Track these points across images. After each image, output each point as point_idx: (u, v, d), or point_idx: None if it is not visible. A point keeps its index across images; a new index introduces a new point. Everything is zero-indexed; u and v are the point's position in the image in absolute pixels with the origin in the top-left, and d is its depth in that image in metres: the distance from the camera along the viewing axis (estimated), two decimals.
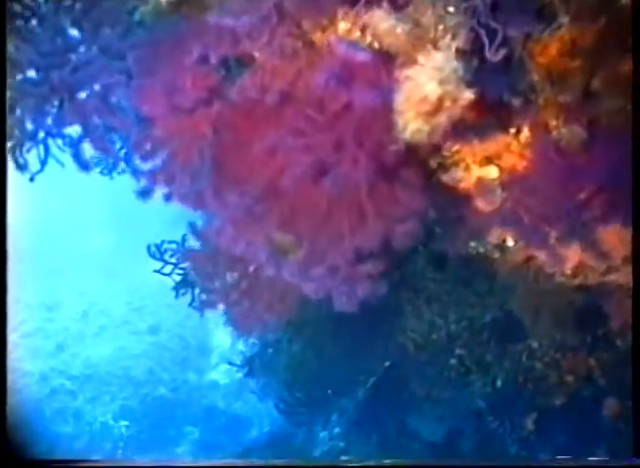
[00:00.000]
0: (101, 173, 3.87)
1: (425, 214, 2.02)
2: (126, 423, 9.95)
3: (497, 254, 2.64)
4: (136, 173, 3.89)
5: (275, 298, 2.48)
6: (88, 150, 2.69)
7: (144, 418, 10.04)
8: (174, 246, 4.04)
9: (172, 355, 11.33)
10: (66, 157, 3.02)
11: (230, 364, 5.88)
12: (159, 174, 1.98)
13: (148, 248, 4.09)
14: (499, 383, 4.03)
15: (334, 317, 5.41)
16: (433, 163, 2.01)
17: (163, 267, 4.13)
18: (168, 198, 2.02)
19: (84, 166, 3.36)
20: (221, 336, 11.90)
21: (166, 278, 4.37)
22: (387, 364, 4.75)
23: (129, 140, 2.28)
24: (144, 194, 2.06)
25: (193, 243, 2.95)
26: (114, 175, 3.93)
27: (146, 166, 2.01)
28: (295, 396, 4.84)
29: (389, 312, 4.77)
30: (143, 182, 2.04)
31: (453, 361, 4.39)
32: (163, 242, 4.06)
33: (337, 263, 2.08)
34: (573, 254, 2.03)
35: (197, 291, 4.36)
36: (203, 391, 10.91)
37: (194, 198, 1.90)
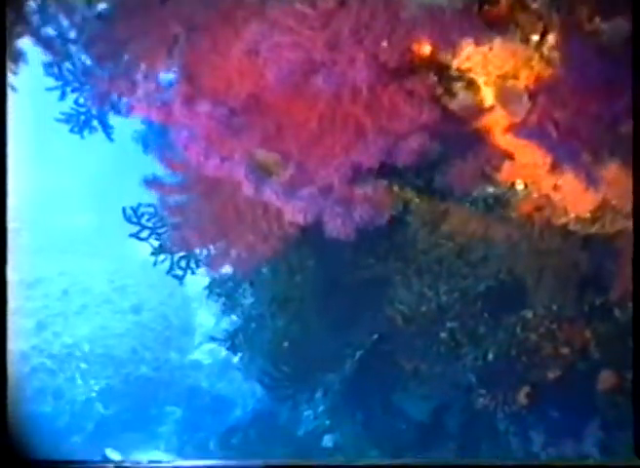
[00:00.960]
0: (72, 130, 3.61)
1: (434, 130, 1.76)
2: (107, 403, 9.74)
3: (502, 204, 2.40)
4: (107, 128, 3.61)
5: (258, 239, 2.23)
6: None
7: (126, 398, 9.84)
8: (151, 209, 3.79)
9: (154, 334, 11.10)
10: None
11: (213, 339, 5.63)
12: (119, 79, 1.69)
13: (124, 210, 3.82)
14: (490, 356, 3.82)
15: (319, 290, 5.20)
16: (440, 87, 1.74)
17: (140, 231, 3.87)
18: (129, 110, 1.76)
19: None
20: (205, 316, 11.69)
21: (149, 257, 4.14)
22: (374, 337, 4.54)
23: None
24: (99, 100, 1.77)
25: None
26: (85, 133, 3.67)
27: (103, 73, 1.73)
28: (280, 370, 4.62)
29: (377, 283, 4.55)
30: (100, 89, 1.76)
31: (443, 334, 4.18)
32: (140, 205, 3.79)
33: (329, 182, 1.79)
34: (594, 196, 1.81)
35: (176, 258, 4.12)
36: (186, 371, 10.72)
37: (160, 108, 1.62)
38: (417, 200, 2.82)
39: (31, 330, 10.33)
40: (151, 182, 1.98)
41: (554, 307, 3.51)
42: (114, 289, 11.71)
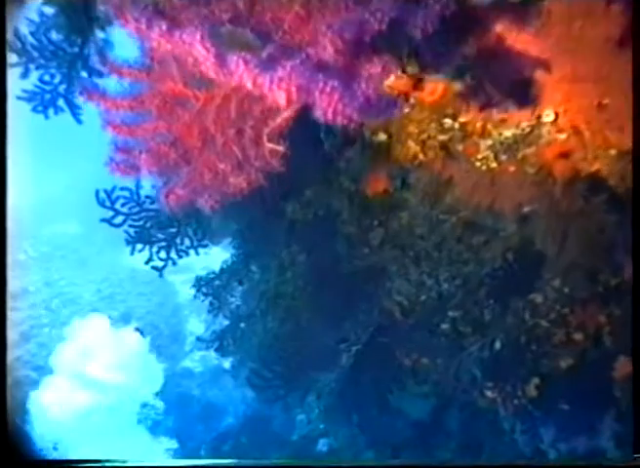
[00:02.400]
0: (34, 109, 3.26)
1: None
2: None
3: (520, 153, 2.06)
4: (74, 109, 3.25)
5: (229, 167, 1.86)
6: None
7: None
8: (126, 193, 3.42)
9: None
10: None
11: (199, 339, 5.25)
12: None
13: (97, 193, 3.45)
14: (497, 346, 3.47)
15: (311, 285, 4.84)
16: None
17: (114, 217, 3.49)
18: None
19: None
20: (195, 324, 11.33)
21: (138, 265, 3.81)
22: (370, 332, 4.18)
23: None
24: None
25: None
26: (50, 114, 3.33)
27: None
28: (271, 370, 4.24)
29: (372, 274, 4.20)
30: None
31: (444, 325, 3.83)
32: (114, 188, 3.42)
33: (321, 57, 1.37)
34: None
35: (155, 248, 3.76)
36: (176, 379, 10.35)
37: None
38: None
39: (15, 341, 9.93)
40: (90, 91, 1.59)
41: (566, 290, 3.18)
42: (102, 298, 11.35)
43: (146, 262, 3.72)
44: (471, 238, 3.61)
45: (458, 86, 1.83)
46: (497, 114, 1.92)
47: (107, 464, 4.09)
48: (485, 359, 3.53)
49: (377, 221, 4.14)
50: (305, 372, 4.54)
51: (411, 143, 2.14)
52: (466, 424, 5.23)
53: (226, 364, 5.63)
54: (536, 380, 3.37)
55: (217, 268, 5.44)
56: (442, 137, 2.13)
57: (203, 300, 5.34)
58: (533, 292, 3.28)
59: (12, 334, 10.09)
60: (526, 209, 2.55)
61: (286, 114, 1.64)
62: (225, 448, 7.20)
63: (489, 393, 3.48)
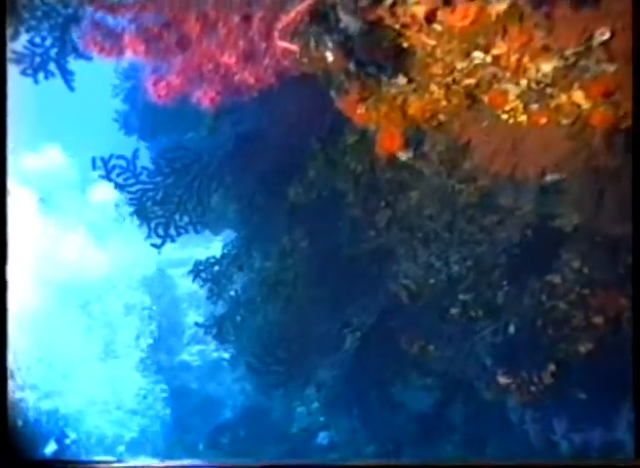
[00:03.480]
0: (23, 73, 3.03)
1: None
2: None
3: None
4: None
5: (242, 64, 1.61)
6: None
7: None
8: (123, 162, 3.17)
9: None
10: None
11: (197, 325, 5.01)
12: None
13: (93, 161, 3.20)
14: (511, 330, 3.23)
15: (314, 270, 4.60)
16: None
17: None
18: None
19: None
20: (194, 317, 11.10)
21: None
22: (375, 318, 3.94)
23: None
24: None
25: None
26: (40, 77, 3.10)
27: None
28: (271, 357, 4.00)
29: (378, 257, 3.97)
30: None
31: (454, 310, 3.59)
32: (111, 156, 3.17)
33: None
34: None
35: (153, 224, 3.52)
36: (174, 372, 10.13)
37: None
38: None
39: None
40: None
41: (585, 270, 2.94)
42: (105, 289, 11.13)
43: (146, 238, 3.46)
44: (484, 218, 3.38)
45: (500, 6, 1.59)
46: (539, 40, 1.67)
47: (108, 464, 3.90)
48: (498, 344, 3.29)
49: (384, 202, 3.91)
50: (306, 361, 4.30)
51: (434, 87, 1.90)
52: (471, 417, 4.99)
53: (225, 354, 5.39)
54: (552, 367, 3.12)
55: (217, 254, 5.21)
56: (468, 81, 1.89)
57: (202, 286, 5.10)
58: (550, 272, 3.04)
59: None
60: (549, 177, 2.31)
61: (300, 7, 1.41)
62: (224, 442, 6.96)
63: (501, 380, 3.24)
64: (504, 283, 3.24)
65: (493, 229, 3.33)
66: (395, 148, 2.14)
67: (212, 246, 7.38)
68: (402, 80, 1.87)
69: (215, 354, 9.77)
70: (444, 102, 1.93)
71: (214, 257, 5.10)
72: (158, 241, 3.51)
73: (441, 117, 2.14)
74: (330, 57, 2.05)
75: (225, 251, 5.10)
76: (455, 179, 2.84)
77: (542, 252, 2.96)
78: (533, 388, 3.13)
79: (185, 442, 8.03)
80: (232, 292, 4.92)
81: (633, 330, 2.43)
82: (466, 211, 3.46)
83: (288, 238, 4.69)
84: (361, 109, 2.06)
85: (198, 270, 5.05)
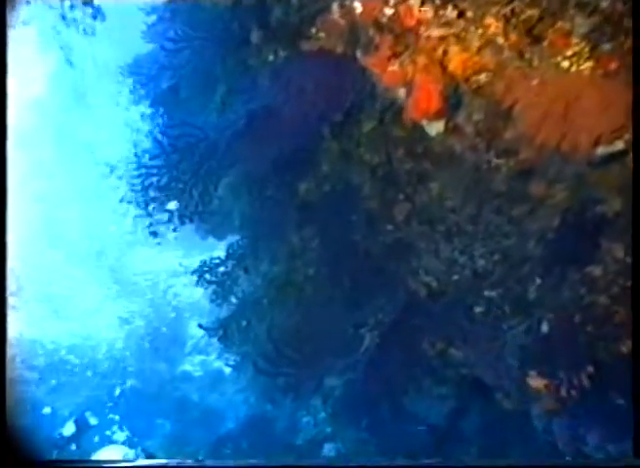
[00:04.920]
0: None
1: None
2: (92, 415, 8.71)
3: None
4: None
5: None
6: None
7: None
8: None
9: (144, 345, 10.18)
10: None
11: (200, 327, 4.68)
12: None
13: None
14: (544, 328, 2.90)
15: (326, 267, 4.27)
16: None
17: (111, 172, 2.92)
18: None
19: None
20: (195, 327, 10.79)
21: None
22: (392, 318, 3.61)
23: None
24: None
25: None
26: None
27: None
28: (280, 360, 3.65)
29: (396, 252, 3.65)
30: None
31: (479, 308, 3.27)
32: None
33: None
34: None
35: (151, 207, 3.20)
36: (175, 383, 9.78)
37: None
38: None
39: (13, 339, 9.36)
40: None
41: (628, 260, 2.62)
42: (104, 297, 10.82)
43: (147, 227, 3.14)
44: (513, 208, 3.08)
45: None
46: None
47: (108, 464, 3.63)
48: (528, 344, 2.96)
49: (402, 195, 3.61)
50: (318, 364, 3.95)
51: (490, 20, 1.61)
52: (490, 426, 4.64)
53: (230, 360, 5.04)
54: (589, 368, 2.79)
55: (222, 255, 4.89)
56: (530, 12, 1.60)
57: (206, 288, 4.77)
58: (590, 263, 2.72)
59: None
60: (601, 149, 2.00)
61: None
62: (226, 452, 6.60)
63: (532, 383, 2.90)
64: (537, 277, 2.92)
65: (522, 220, 3.02)
66: (432, 110, 1.85)
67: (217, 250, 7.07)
68: (452, 13, 1.58)
69: (216, 364, 9.45)
70: (500, 39, 1.62)
71: (218, 258, 4.78)
72: (161, 229, 3.19)
73: (483, 77, 1.84)
74: (359, 7, 1.76)
75: (231, 251, 4.78)
76: (493, 153, 2.52)
77: (581, 241, 2.65)
78: (567, 393, 2.79)
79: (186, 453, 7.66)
80: (239, 294, 4.59)
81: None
82: (493, 201, 3.16)
83: (298, 237, 4.38)
84: (393, 66, 1.77)
85: (202, 271, 4.72)
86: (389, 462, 5.06)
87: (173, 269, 11.38)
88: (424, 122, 2.37)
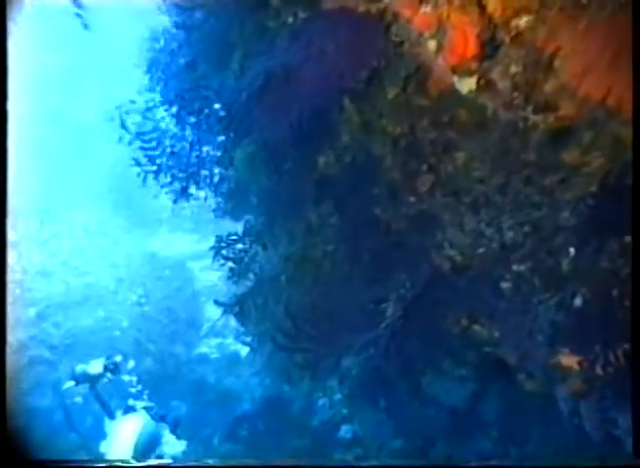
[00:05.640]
0: None
1: None
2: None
3: None
4: None
5: None
6: None
7: None
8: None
9: (160, 327, 10.10)
10: None
11: (216, 303, 4.55)
12: None
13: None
14: (578, 302, 2.72)
15: (344, 246, 4.11)
16: None
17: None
18: None
19: None
20: (213, 310, 10.73)
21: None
22: (414, 293, 3.44)
23: None
24: None
25: None
26: None
27: None
28: (298, 328, 3.51)
29: (419, 225, 3.47)
30: None
31: (506, 283, 3.09)
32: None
33: None
34: None
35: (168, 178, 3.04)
36: (192, 365, 9.70)
37: None
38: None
39: (32, 320, 9.34)
40: None
41: None
42: (119, 279, 10.76)
43: (166, 185, 2.97)
44: (544, 178, 2.88)
45: None
46: None
47: (107, 464, 3.55)
48: (560, 319, 2.77)
49: (426, 166, 3.42)
50: (336, 342, 3.79)
51: None
52: (511, 409, 4.47)
53: (246, 337, 4.91)
54: (626, 346, 2.60)
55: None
56: None
57: (222, 265, 4.64)
58: (629, 233, 2.52)
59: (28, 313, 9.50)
60: None
61: None
62: (242, 434, 6.50)
63: (564, 361, 2.72)
64: (570, 248, 2.73)
65: (554, 189, 2.82)
66: (469, 54, 1.67)
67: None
68: None
69: (233, 347, 9.34)
70: None
71: (235, 233, 4.64)
72: (173, 196, 3.03)
73: (523, 22, 1.65)
74: None
75: (248, 226, 4.64)
76: (530, 109, 2.32)
77: (620, 209, 2.45)
78: (602, 370, 2.61)
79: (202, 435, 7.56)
80: (257, 271, 4.45)
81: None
82: (523, 171, 2.97)
83: (316, 214, 4.22)
84: (426, 7, 1.59)
85: (219, 247, 4.59)
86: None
87: (190, 251, 11.32)
88: (455, 79, 2.19)
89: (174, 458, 4.53)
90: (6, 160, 2.21)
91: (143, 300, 10.58)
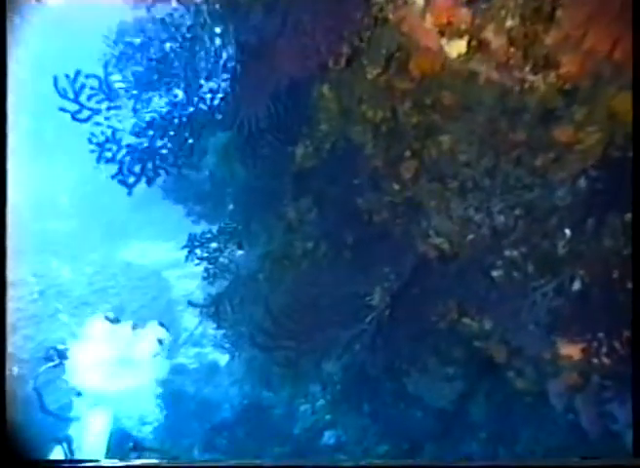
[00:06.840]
0: None
1: None
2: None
3: None
4: None
5: None
6: None
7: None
8: (95, 82, 2.43)
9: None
10: None
11: (190, 304, 4.27)
12: None
13: (55, 80, 2.43)
14: (576, 286, 2.51)
15: (328, 234, 3.87)
16: None
17: (78, 112, 2.48)
18: None
19: None
20: (190, 319, 10.42)
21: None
22: (399, 285, 3.21)
23: None
24: None
25: None
26: None
27: None
28: (278, 325, 3.24)
29: (404, 213, 3.26)
30: None
31: (496, 272, 2.87)
32: (78, 73, 2.42)
33: None
34: None
35: (127, 159, 2.77)
36: (170, 375, 9.32)
37: None
38: None
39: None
40: None
41: None
42: (94, 291, 10.36)
43: (114, 176, 2.69)
44: (535, 158, 2.68)
45: None
46: None
47: (107, 464, 3.29)
48: (557, 307, 2.56)
49: (409, 151, 3.21)
50: (317, 341, 3.54)
51: None
52: (501, 407, 4.25)
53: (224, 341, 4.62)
54: (627, 333, 2.40)
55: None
56: None
57: (197, 264, 4.36)
58: (631, 210, 2.33)
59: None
60: None
61: None
62: (221, 443, 6.18)
63: (562, 350, 2.51)
64: (566, 229, 2.52)
65: (547, 169, 2.62)
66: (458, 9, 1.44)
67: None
68: None
69: (210, 357, 9.02)
70: None
71: (209, 231, 4.37)
72: (132, 179, 2.73)
73: None
74: None
75: (222, 224, 4.38)
76: (528, 68, 2.10)
77: (620, 184, 2.25)
78: (607, 357, 2.39)
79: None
80: (233, 269, 4.19)
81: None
82: (512, 152, 2.77)
83: (293, 208, 3.99)
84: None
85: (193, 246, 4.31)
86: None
87: (166, 260, 10.98)
88: (444, 42, 1.98)
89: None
90: None
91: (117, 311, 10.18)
